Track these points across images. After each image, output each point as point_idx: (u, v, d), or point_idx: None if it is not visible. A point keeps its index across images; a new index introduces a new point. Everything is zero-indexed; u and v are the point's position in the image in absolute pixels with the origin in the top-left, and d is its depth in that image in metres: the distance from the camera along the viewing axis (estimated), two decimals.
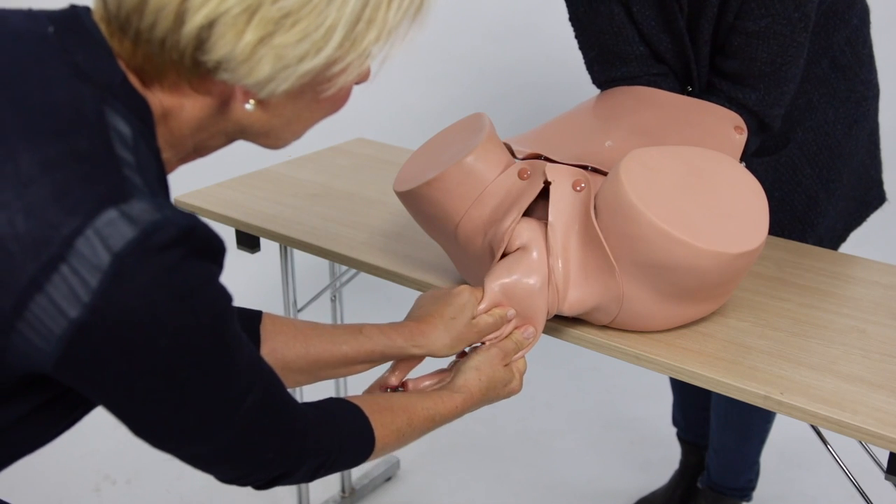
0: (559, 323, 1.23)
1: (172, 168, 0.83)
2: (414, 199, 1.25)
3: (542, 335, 1.25)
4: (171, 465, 2.19)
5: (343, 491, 2.08)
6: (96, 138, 0.70)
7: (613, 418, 2.38)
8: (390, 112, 3.23)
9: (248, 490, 2.12)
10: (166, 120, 0.78)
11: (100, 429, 2.32)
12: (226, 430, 0.79)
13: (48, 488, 2.06)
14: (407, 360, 1.13)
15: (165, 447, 0.79)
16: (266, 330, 1.06)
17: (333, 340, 1.09)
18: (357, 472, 2.13)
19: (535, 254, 1.16)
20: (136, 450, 2.24)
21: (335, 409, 0.95)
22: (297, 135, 0.87)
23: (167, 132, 0.79)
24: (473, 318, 1.13)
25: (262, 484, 0.89)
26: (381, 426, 0.97)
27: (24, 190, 0.66)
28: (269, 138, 0.85)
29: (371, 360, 1.12)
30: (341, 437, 0.93)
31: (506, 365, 1.14)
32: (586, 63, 1.49)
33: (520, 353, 1.17)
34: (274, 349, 1.06)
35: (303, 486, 1.97)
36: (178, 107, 0.77)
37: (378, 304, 2.89)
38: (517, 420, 2.37)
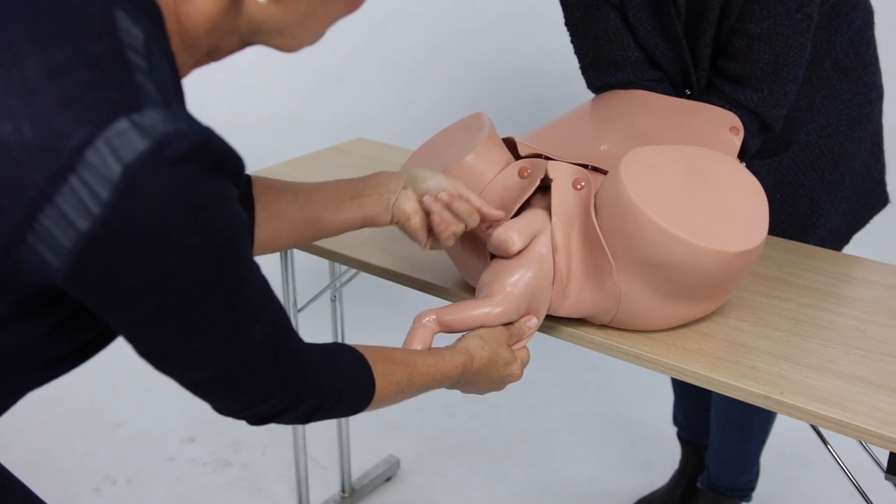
0: (558, 322, 1.23)
1: (186, 72, 0.81)
2: None
3: (542, 335, 1.25)
4: (171, 465, 2.19)
5: (343, 491, 2.08)
6: (106, 42, 0.67)
7: (613, 418, 2.38)
8: (390, 112, 3.23)
9: (249, 490, 2.12)
10: (179, 19, 0.75)
11: (100, 429, 2.32)
12: (230, 356, 0.78)
13: (48, 488, 2.06)
14: (418, 329, 1.12)
15: (168, 370, 0.78)
16: (258, 191, 1.07)
17: (336, 206, 1.12)
18: (357, 472, 2.13)
19: (541, 248, 1.15)
20: (136, 450, 2.24)
21: (339, 353, 0.94)
22: (313, 34, 0.85)
23: (180, 33, 0.76)
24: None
25: (258, 419, 0.88)
26: (382, 377, 0.96)
27: (31, 97, 0.64)
28: (284, 37, 0.83)
29: (361, 195, 1.13)
30: (342, 381, 0.92)
31: (509, 346, 1.13)
32: (581, 68, 1.49)
33: (521, 343, 1.16)
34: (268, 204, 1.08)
35: (303, 485, 1.97)
36: (189, 4, 0.75)
37: (378, 304, 2.89)
38: (517, 420, 2.37)
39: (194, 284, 0.71)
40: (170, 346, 0.75)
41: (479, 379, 1.09)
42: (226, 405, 0.85)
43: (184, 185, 0.66)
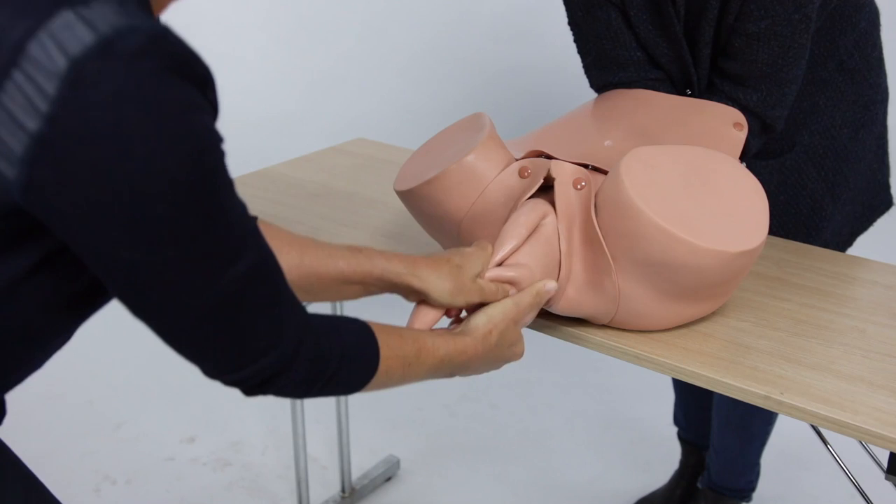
0: (558, 322, 1.23)
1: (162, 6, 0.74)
2: (414, 199, 1.25)
3: (542, 335, 1.25)
4: (171, 465, 2.19)
5: (343, 491, 2.08)
6: None
7: (613, 418, 2.38)
8: (390, 112, 3.23)
9: (249, 490, 2.12)
10: None
11: (100, 429, 2.32)
12: (206, 296, 0.72)
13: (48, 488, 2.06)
14: (422, 308, 1.07)
15: (141, 311, 0.74)
16: None
17: (330, 255, 1.03)
18: (357, 472, 2.13)
19: (547, 228, 1.14)
20: (136, 450, 2.24)
21: (340, 320, 0.88)
22: None
23: None
24: (480, 275, 1.08)
25: (251, 385, 0.81)
26: (387, 347, 0.91)
27: None
28: None
29: (367, 283, 1.06)
30: (344, 346, 0.86)
31: (516, 323, 1.09)
32: (584, 67, 1.49)
33: (535, 309, 1.10)
34: None
35: (303, 485, 1.97)
36: None
37: (378, 305, 2.89)
38: (517, 420, 2.37)
39: (158, 199, 0.65)
40: (139, 276, 0.70)
41: (485, 360, 1.05)
42: (212, 362, 0.79)
43: (139, 83, 0.61)
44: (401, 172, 1.32)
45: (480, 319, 1.05)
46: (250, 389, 0.82)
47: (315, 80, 3.36)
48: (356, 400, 2.38)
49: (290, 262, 1.01)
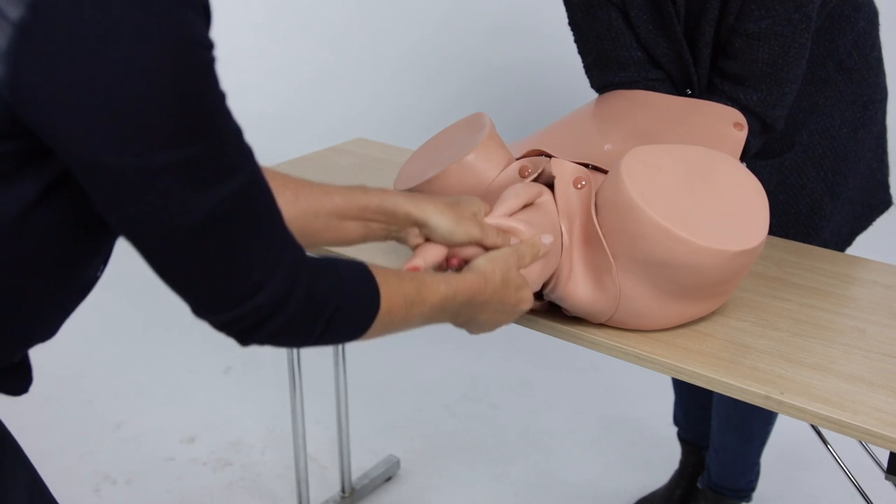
0: (559, 322, 1.23)
1: None
2: None
3: (542, 335, 1.25)
4: (171, 465, 2.19)
5: (343, 491, 2.08)
6: None
7: (613, 418, 2.38)
8: (390, 112, 3.23)
9: (249, 490, 2.12)
10: None
11: (100, 429, 2.32)
12: (195, 212, 0.70)
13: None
14: (423, 246, 1.05)
15: (128, 229, 0.72)
16: None
17: (325, 192, 1.02)
18: (357, 472, 2.13)
19: (546, 199, 1.14)
20: (136, 450, 2.24)
21: (337, 260, 0.85)
22: None
23: None
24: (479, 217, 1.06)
25: (243, 326, 0.78)
26: (386, 285, 0.88)
27: None
28: None
29: (366, 217, 1.04)
30: (342, 285, 0.84)
31: (518, 269, 1.06)
32: (585, 67, 1.49)
33: (534, 261, 1.08)
34: None
35: (302, 485, 1.97)
36: None
37: None
38: (517, 420, 2.37)
39: (142, 97, 0.64)
40: (123, 187, 0.68)
41: (492, 304, 1.02)
42: (201, 295, 0.76)
43: None
44: (401, 172, 1.32)
45: (481, 260, 1.03)
46: (243, 333, 0.79)
47: (315, 80, 3.36)
48: (356, 400, 2.38)
49: (286, 201, 0.98)
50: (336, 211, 1.03)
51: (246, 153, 0.74)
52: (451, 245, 1.07)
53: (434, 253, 1.07)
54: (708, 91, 1.42)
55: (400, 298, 0.89)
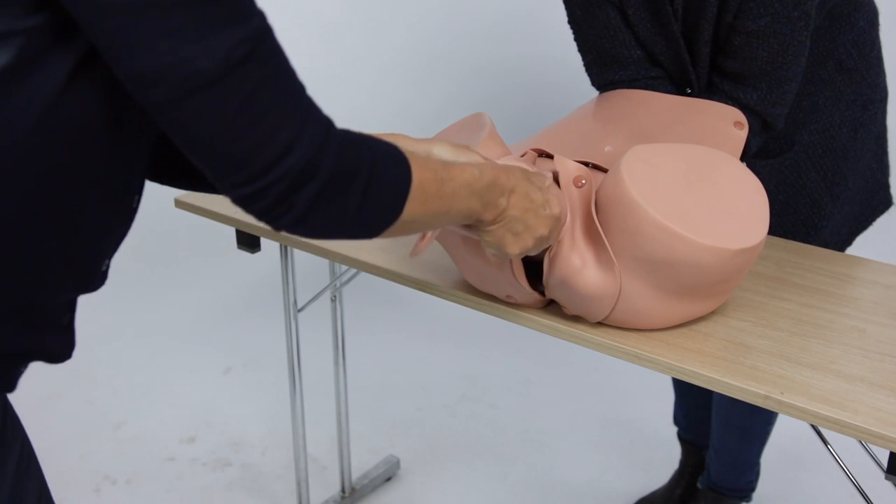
0: (559, 322, 1.23)
1: None
2: None
3: (542, 335, 1.25)
4: (171, 465, 2.19)
5: (343, 491, 2.08)
6: None
7: (613, 418, 2.38)
8: (390, 112, 3.23)
9: (249, 490, 2.12)
10: None
11: (100, 429, 2.32)
12: (216, 54, 0.70)
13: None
14: None
15: (147, 82, 0.71)
16: None
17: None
18: (357, 472, 2.13)
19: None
20: (136, 450, 2.24)
21: (364, 135, 0.83)
22: None
23: None
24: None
25: (277, 194, 0.75)
26: (415, 160, 0.86)
27: None
28: None
29: None
30: (372, 152, 0.81)
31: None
32: (585, 65, 1.49)
33: (544, 193, 1.06)
34: None
35: (302, 485, 1.97)
36: None
37: (378, 304, 2.89)
38: (517, 420, 2.37)
39: None
40: (138, 26, 0.68)
41: (518, 192, 0.99)
42: (230, 160, 0.74)
43: None
44: None
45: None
46: (277, 204, 0.76)
47: (315, 80, 3.36)
48: (356, 400, 2.38)
49: None
50: None
51: (259, 9, 0.74)
52: None
53: None
54: (707, 90, 1.42)
55: (429, 172, 0.87)
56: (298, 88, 0.77)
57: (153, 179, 1.01)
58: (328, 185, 0.78)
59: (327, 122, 0.79)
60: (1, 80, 0.71)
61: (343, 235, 0.84)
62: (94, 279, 0.87)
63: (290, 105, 0.75)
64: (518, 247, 1.04)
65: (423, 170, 0.87)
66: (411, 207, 0.86)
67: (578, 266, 1.15)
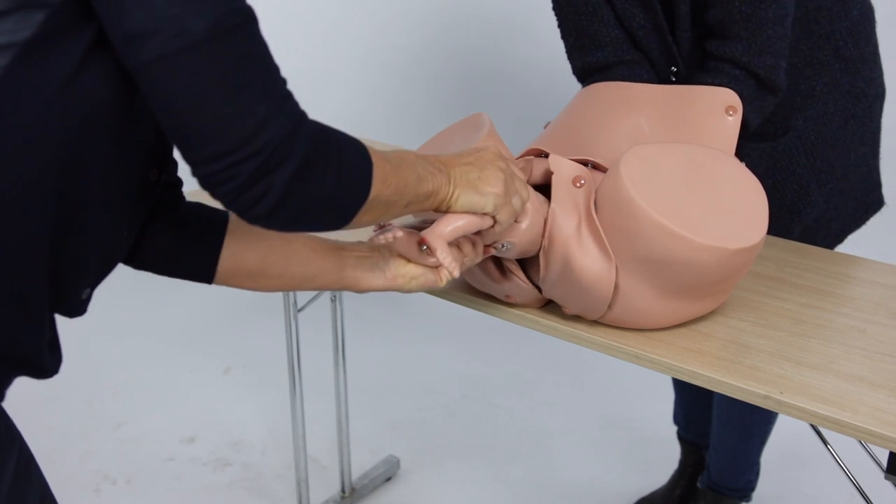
0: (558, 322, 1.23)
1: None
2: None
3: (542, 335, 1.25)
4: (171, 465, 2.19)
5: (343, 491, 2.08)
6: None
7: (613, 418, 2.38)
8: (390, 112, 3.23)
9: (249, 490, 2.12)
10: None
11: (100, 429, 2.32)
12: (201, 15, 0.72)
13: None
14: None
15: (135, 43, 0.73)
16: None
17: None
18: (357, 472, 2.13)
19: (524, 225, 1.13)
20: (136, 450, 2.24)
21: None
22: None
23: None
24: None
25: (255, 169, 0.76)
26: (372, 151, 0.90)
27: None
28: None
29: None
30: (336, 135, 0.85)
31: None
32: (567, 52, 1.51)
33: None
34: (236, 252, 1.04)
35: (302, 485, 1.97)
36: None
37: (378, 304, 2.89)
38: (517, 420, 2.37)
39: None
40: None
41: (454, 156, 1.04)
42: (210, 130, 0.75)
43: None
44: None
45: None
46: (255, 182, 0.77)
47: (315, 80, 3.36)
48: (356, 400, 2.38)
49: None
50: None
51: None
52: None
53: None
54: (697, 67, 1.40)
55: (376, 153, 0.91)
56: (279, 76, 0.80)
57: (127, 262, 1.03)
58: (304, 165, 0.79)
59: (303, 112, 0.81)
60: (22, 53, 0.72)
61: (318, 221, 0.86)
62: (123, 250, 0.88)
63: (270, 85, 0.78)
64: (489, 186, 1.02)
65: (379, 160, 0.90)
66: (376, 186, 0.89)
67: (584, 256, 1.14)
